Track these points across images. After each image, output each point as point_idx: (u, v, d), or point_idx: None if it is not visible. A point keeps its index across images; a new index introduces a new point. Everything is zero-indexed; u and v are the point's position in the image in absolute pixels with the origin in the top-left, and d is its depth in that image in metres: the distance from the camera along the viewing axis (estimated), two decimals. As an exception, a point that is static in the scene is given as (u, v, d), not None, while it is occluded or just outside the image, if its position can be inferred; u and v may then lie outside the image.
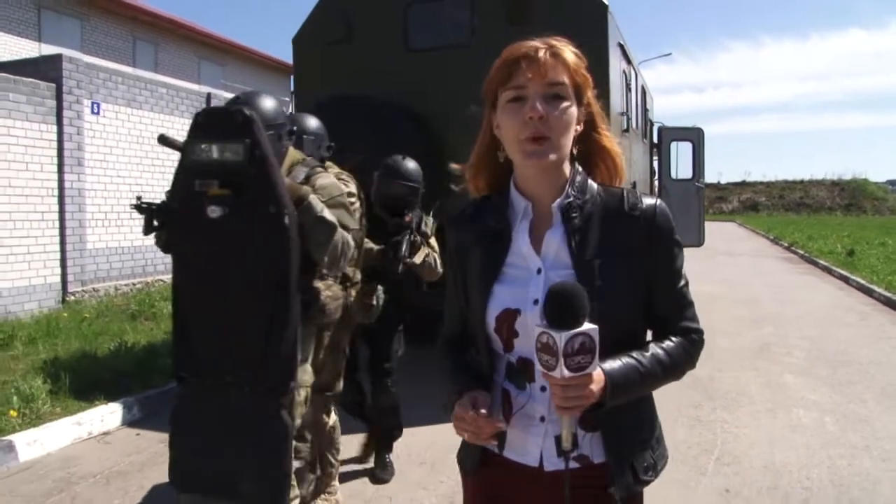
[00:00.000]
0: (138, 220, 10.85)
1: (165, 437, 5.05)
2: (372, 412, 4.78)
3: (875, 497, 4.18)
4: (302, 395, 3.19)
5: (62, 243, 10.95)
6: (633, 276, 1.60)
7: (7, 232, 10.01)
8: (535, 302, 1.56)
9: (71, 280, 11.08)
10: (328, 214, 3.08)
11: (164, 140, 3.38)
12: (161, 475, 4.67)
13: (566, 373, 1.38)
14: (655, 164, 11.29)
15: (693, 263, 12.71)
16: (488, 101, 1.66)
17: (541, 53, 1.56)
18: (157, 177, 12.88)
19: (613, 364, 1.52)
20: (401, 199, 4.50)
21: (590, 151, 1.70)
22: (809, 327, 9.60)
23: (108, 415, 5.55)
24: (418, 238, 4.43)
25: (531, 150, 1.55)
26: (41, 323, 8.98)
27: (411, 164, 4.59)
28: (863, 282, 13.57)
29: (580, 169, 1.66)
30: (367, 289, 4.10)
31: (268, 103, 3.25)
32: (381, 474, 4.65)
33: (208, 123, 2.98)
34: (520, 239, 1.65)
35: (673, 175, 11.11)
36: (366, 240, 4.21)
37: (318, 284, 3.34)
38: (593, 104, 1.67)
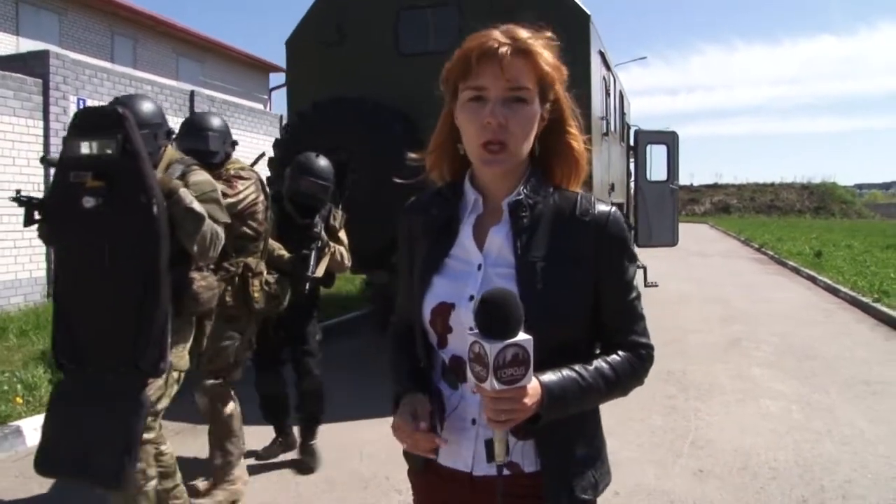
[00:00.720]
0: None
1: (181, 425, 5.34)
2: (297, 398, 4.90)
3: (834, 475, 4.52)
4: (174, 376, 3.33)
5: (48, 238, 11.08)
6: (579, 283, 1.53)
7: (-7, 226, 10.15)
8: (471, 298, 1.51)
9: (56, 274, 11.22)
10: (197, 207, 3.25)
11: (45, 161, 3.62)
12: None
13: (497, 385, 1.30)
14: (632, 166, 11.61)
15: (665, 263, 13.19)
16: (448, 90, 1.59)
17: (503, 51, 1.46)
18: (142, 173, 13.03)
19: (552, 376, 1.44)
20: (311, 195, 4.66)
21: (553, 149, 1.62)
22: (778, 324, 9.98)
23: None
24: (328, 243, 4.65)
25: (488, 158, 1.50)
26: (30, 316, 9.16)
27: (322, 162, 4.76)
28: (829, 282, 14.01)
29: (537, 169, 1.61)
30: (273, 280, 4.30)
31: (145, 105, 3.49)
32: (308, 462, 4.76)
33: (84, 122, 3.17)
34: (465, 232, 1.61)
35: (648, 177, 11.45)
36: (279, 246, 4.51)
37: (194, 275, 3.49)
38: (563, 99, 1.59)
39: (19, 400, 5.36)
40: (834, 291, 13.32)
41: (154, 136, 3.42)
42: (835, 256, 18.52)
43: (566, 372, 1.47)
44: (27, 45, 18.16)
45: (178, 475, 3.52)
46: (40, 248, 10.92)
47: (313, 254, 4.49)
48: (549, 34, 1.56)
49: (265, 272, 4.27)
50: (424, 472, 1.64)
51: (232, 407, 4.20)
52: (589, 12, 6.79)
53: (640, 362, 1.59)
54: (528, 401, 1.36)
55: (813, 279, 15.21)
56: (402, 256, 1.75)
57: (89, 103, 11.90)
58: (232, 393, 4.23)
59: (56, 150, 11.12)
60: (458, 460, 1.56)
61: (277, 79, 29.16)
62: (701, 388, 6.63)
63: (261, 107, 24.03)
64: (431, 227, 1.65)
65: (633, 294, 1.61)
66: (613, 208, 1.59)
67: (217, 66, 25.65)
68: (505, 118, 1.46)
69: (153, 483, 3.30)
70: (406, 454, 1.68)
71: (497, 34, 1.50)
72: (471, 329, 1.38)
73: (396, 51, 7.06)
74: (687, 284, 14.11)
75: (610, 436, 4.44)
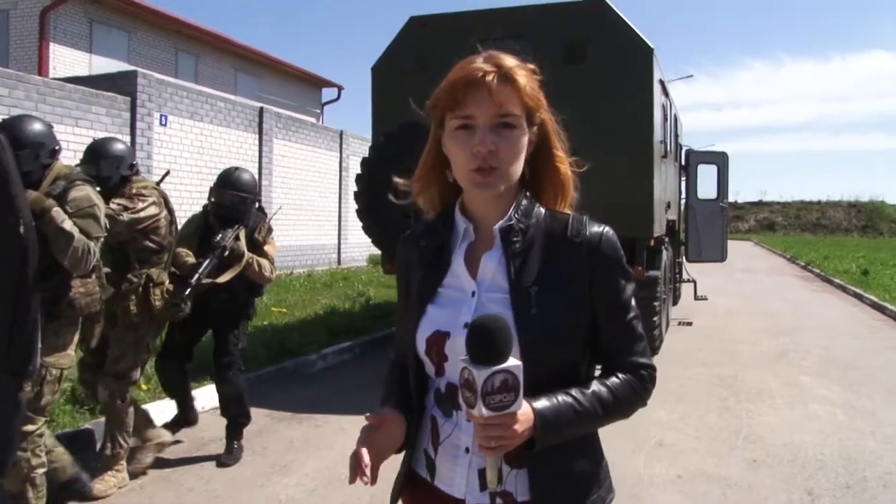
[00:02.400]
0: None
1: (265, 411, 6.04)
2: (220, 402, 5.28)
3: (876, 467, 5.01)
4: (54, 374, 3.74)
5: (132, 245, 11.88)
6: (573, 305, 1.52)
7: (85, 233, 10.94)
8: (465, 326, 1.47)
9: (138, 279, 12.00)
10: (68, 226, 3.55)
11: None
12: (275, 440, 5.58)
13: (485, 412, 1.29)
14: (683, 184, 12.10)
15: (713, 279, 13.69)
16: (435, 119, 1.59)
17: (489, 79, 1.48)
18: (215, 185, 13.81)
19: (545, 402, 1.43)
20: (232, 207, 5.00)
21: (540, 172, 1.63)
22: (824, 338, 10.41)
23: (213, 394, 6.42)
24: (241, 255, 4.88)
25: (479, 181, 1.50)
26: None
27: (245, 176, 5.12)
28: (875, 299, 14.35)
29: (527, 192, 1.61)
30: (174, 290, 4.58)
31: (27, 126, 3.79)
32: (224, 459, 5.05)
33: None
34: (457, 260, 1.60)
35: (699, 195, 11.93)
36: (187, 252, 4.84)
37: (75, 282, 3.76)
38: (548, 122, 1.61)
39: (144, 386, 6.03)
40: (880, 308, 13.66)
41: (35, 156, 3.73)
42: (882, 275, 18.77)
43: (561, 397, 1.45)
44: (99, 62, 19.16)
45: (64, 457, 4.02)
46: (125, 254, 11.72)
47: (207, 262, 4.73)
48: (532, 66, 1.58)
49: (167, 282, 4.59)
50: (416, 491, 1.64)
51: (130, 403, 4.55)
52: (652, 46, 7.40)
53: (640, 384, 1.57)
54: (518, 427, 1.35)
55: (859, 297, 15.55)
56: (399, 288, 1.76)
57: (170, 119, 12.74)
58: (130, 390, 4.56)
59: (140, 162, 11.94)
60: (453, 486, 1.55)
61: (329, 94, 30.11)
62: (751, 392, 7.12)
63: (313, 120, 24.79)
64: (424, 257, 1.65)
65: (632, 314, 1.59)
66: (606, 228, 1.59)
67: (273, 82, 26.46)
68: (494, 144, 1.47)
69: (40, 471, 3.72)
70: (398, 476, 1.69)
71: (482, 63, 1.51)
72: (461, 358, 1.36)
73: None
74: (734, 299, 14.58)
75: (670, 429, 5.10)
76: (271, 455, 5.26)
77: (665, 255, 9.36)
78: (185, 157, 13.12)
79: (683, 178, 12.00)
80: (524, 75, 1.53)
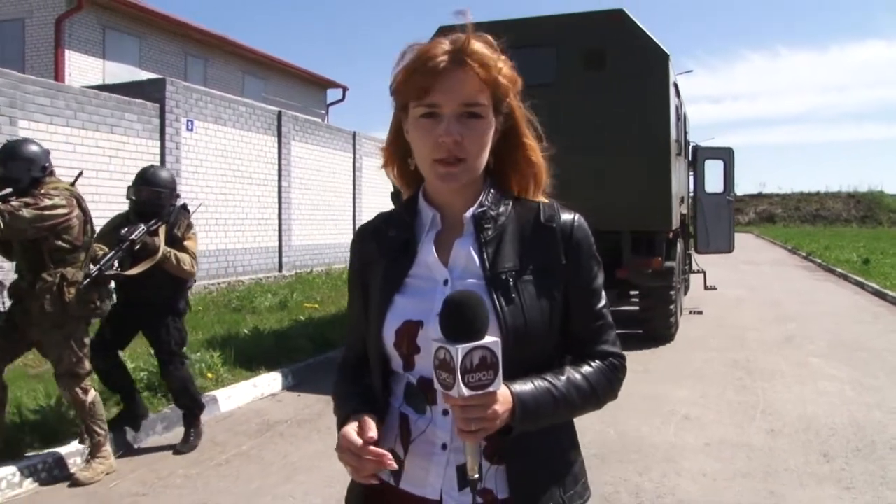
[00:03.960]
0: (225, 225, 12.73)
1: (322, 397, 6.56)
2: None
3: (883, 434, 5.54)
4: None
5: (163, 245, 12.38)
6: (548, 292, 1.47)
7: (121, 235, 11.45)
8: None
9: (169, 278, 12.50)
10: None
11: None
12: (332, 424, 6.09)
13: (465, 391, 1.23)
14: (691, 179, 12.61)
15: (718, 270, 14.24)
16: (398, 103, 1.53)
17: (457, 66, 1.42)
18: (238, 187, 14.35)
19: (524, 386, 1.37)
20: (148, 203, 5.12)
21: (508, 160, 1.57)
22: (828, 323, 10.95)
23: (272, 381, 6.99)
24: (156, 249, 4.96)
25: (444, 172, 1.44)
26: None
27: (161, 173, 5.31)
28: (877, 287, 14.92)
29: (494, 180, 1.56)
30: (89, 289, 4.62)
31: (26, 146, 4.46)
32: (179, 447, 5.27)
33: None
34: (425, 249, 1.52)
35: (707, 189, 12.44)
36: (100, 247, 4.88)
37: None
38: (516, 108, 1.53)
39: (210, 375, 6.56)
40: (882, 296, 14.22)
41: (27, 169, 4.40)
42: (882, 263, 19.35)
43: (538, 382, 1.40)
44: (111, 67, 19.65)
45: None
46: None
47: (110, 255, 4.78)
48: (499, 48, 1.50)
49: (82, 280, 4.62)
50: (375, 497, 1.52)
51: (92, 395, 4.71)
52: (668, 52, 7.93)
53: (612, 372, 1.52)
54: (498, 407, 1.30)
55: (861, 285, 16.12)
56: (351, 288, 1.68)
57: (196, 124, 13.24)
58: (88, 383, 4.71)
59: (170, 166, 12.46)
60: (427, 487, 1.46)
61: (334, 94, 30.59)
62: (764, 373, 7.65)
63: (327, 122, 25.24)
64: (388, 249, 1.57)
65: (602, 302, 1.56)
66: (577, 215, 1.55)
67: (279, 83, 26.85)
68: (460, 135, 1.41)
69: None
70: (349, 491, 1.60)
71: (447, 46, 1.44)
72: (434, 339, 1.31)
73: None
74: (741, 289, 15.13)
75: (693, 405, 5.70)
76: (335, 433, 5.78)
77: (679, 247, 9.90)
78: (209, 160, 13.59)
79: (691, 173, 12.51)
80: (492, 61, 1.45)
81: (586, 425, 5.58)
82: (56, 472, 4.74)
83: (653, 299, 8.99)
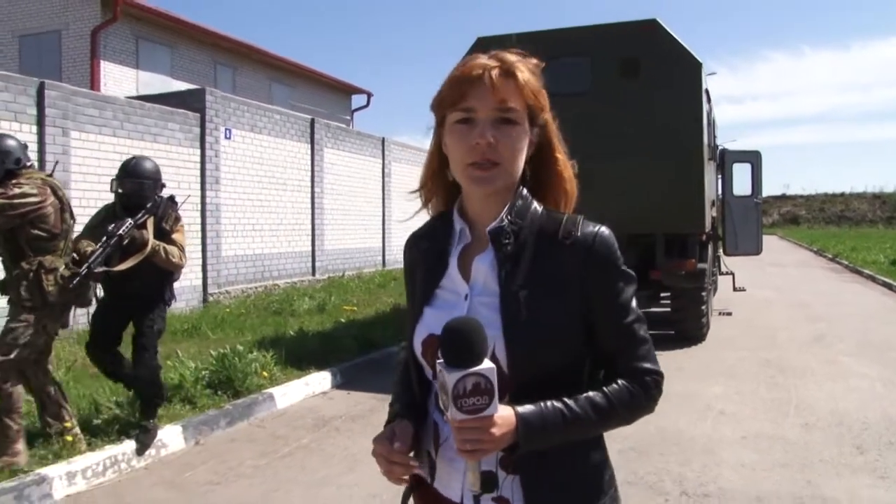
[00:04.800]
0: (261, 230, 13.10)
1: (372, 395, 6.85)
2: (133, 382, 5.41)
3: (915, 427, 5.79)
4: None
5: (203, 251, 12.79)
6: (564, 308, 1.47)
7: (164, 240, 11.84)
8: None
9: (210, 283, 12.90)
10: None
11: None
12: (382, 420, 6.40)
13: (458, 415, 1.28)
14: (719, 182, 12.82)
15: (745, 273, 14.43)
16: (437, 117, 1.57)
17: (493, 74, 1.45)
18: (273, 193, 14.71)
19: (531, 407, 1.39)
20: (133, 195, 5.11)
21: (541, 176, 1.59)
22: (857, 323, 11.14)
23: (322, 379, 7.32)
24: (144, 242, 4.95)
25: (477, 175, 1.46)
26: (205, 316, 10.80)
27: (144, 164, 5.26)
28: (905, 287, 15.04)
29: (525, 193, 1.56)
30: (68, 279, 4.67)
31: (1, 141, 4.61)
32: (142, 438, 5.21)
33: None
34: (452, 262, 1.57)
35: (735, 192, 12.65)
36: (88, 243, 4.94)
37: None
38: (550, 125, 1.56)
39: (265, 374, 6.88)
40: (910, 296, 14.35)
41: (1, 162, 4.53)
42: (910, 264, 19.43)
43: (549, 402, 1.41)
44: (144, 76, 20.12)
45: None
46: (198, 260, 12.62)
47: (100, 251, 4.80)
48: (535, 60, 1.54)
49: (61, 268, 4.68)
50: (421, 492, 1.61)
51: (17, 388, 4.71)
52: (701, 60, 8.20)
53: (641, 389, 1.50)
54: (496, 430, 1.32)
55: (889, 286, 16.25)
56: (406, 289, 1.75)
57: (234, 132, 13.62)
58: (15, 374, 4.70)
59: (210, 174, 12.85)
60: (450, 490, 1.53)
61: (359, 100, 30.97)
62: (796, 370, 7.87)
63: (348, 127, 25.61)
64: (426, 259, 1.63)
65: (631, 317, 1.53)
66: (601, 228, 1.53)
67: (305, 90, 27.20)
68: (494, 138, 1.44)
69: None
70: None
71: (484, 58, 1.49)
72: (438, 361, 1.35)
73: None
74: (768, 291, 15.34)
75: (728, 401, 6.01)
76: (386, 428, 6.09)
77: (710, 249, 10.14)
78: (247, 167, 13.95)
79: (719, 176, 12.71)
80: (528, 72, 1.49)
81: (627, 420, 5.86)
82: (134, 463, 5.08)
83: (685, 300, 9.25)
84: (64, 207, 4.73)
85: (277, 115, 15.27)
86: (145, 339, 5.29)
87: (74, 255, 4.88)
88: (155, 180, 5.26)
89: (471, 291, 1.52)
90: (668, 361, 8.21)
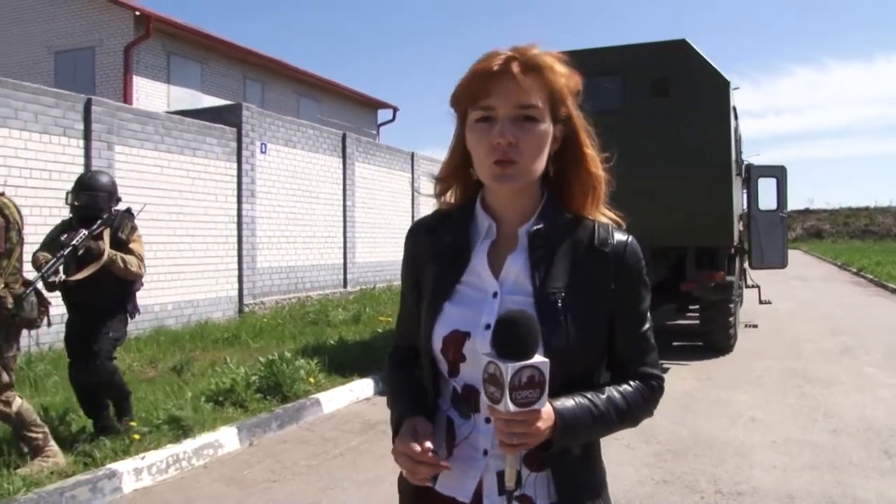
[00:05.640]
0: (295, 243, 13.46)
1: None
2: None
3: (941, 434, 5.99)
4: None
5: (239, 262, 13.15)
6: (596, 313, 1.50)
7: (202, 252, 12.22)
8: (487, 326, 1.44)
9: (245, 294, 13.24)
10: None
11: None
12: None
13: (511, 407, 1.28)
14: (744, 196, 13.02)
15: (769, 286, 14.60)
16: (458, 113, 1.56)
17: (513, 69, 1.44)
18: (307, 207, 15.06)
19: (566, 403, 1.42)
20: (87, 207, 5.19)
21: (568, 171, 1.57)
22: (883, 336, 11.30)
23: (365, 386, 7.62)
24: (100, 252, 4.99)
25: (499, 173, 1.45)
26: (243, 326, 11.13)
27: (100, 177, 5.39)
28: (930, 301, 15.14)
29: (552, 193, 1.57)
30: (20, 293, 4.57)
31: None
32: (116, 426, 5.37)
33: None
34: (478, 258, 1.55)
35: (760, 206, 12.84)
36: (46, 256, 4.96)
37: None
38: (575, 118, 1.54)
39: (312, 380, 7.17)
40: (935, 310, 14.45)
41: None
42: (935, 279, 19.48)
43: (579, 399, 1.44)
44: (175, 91, 20.60)
45: None
46: (234, 271, 12.98)
47: (52, 262, 4.84)
48: (559, 55, 1.52)
49: (7, 286, 4.53)
50: (417, 499, 1.58)
51: (17, 405, 4.65)
52: (728, 79, 8.47)
53: (651, 393, 1.57)
54: (541, 424, 1.34)
55: (914, 300, 16.34)
56: (405, 279, 1.72)
57: (269, 147, 13.98)
58: (10, 394, 4.63)
59: (246, 187, 13.21)
60: (460, 490, 1.51)
61: (384, 115, 31.36)
62: (823, 380, 8.07)
63: (378, 142, 25.97)
64: (441, 252, 1.60)
65: (647, 325, 1.59)
66: (630, 237, 1.57)
67: (332, 105, 27.64)
68: (515, 137, 1.43)
69: None
70: (400, 480, 1.63)
71: (504, 52, 1.47)
72: (485, 353, 1.35)
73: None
74: (793, 304, 15.50)
75: (757, 409, 6.29)
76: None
77: (737, 262, 10.36)
78: (281, 181, 14.30)
79: (745, 190, 12.91)
80: (550, 67, 1.47)
81: (659, 424, 6.16)
82: (194, 461, 5.38)
83: (713, 312, 9.48)
84: (10, 226, 4.53)
85: (311, 130, 15.64)
86: (97, 345, 5.24)
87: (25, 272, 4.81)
88: (109, 193, 5.35)
89: (500, 289, 1.50)
90: (698, 371, 8.45)
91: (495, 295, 1.50)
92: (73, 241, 4.95)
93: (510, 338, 1.30)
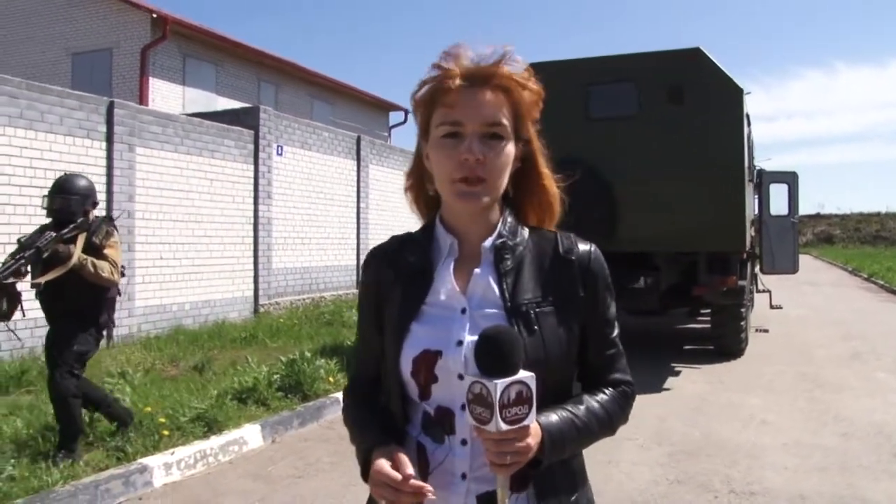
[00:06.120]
0: (309, 244, 13.64)
1: None
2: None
3: (950, 438, 6.10)
4: None
5: (255, 263, 13.32)
6: (566, 322, 1.49)
7: (219, 253, 12.40)
8: (459, 343, 1.43)
9: (261, 294, 13.41)
10: None
11: None
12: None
13: (503, 426, 1.24)
14: (756, 202, 13.13)
15: (780, 291, 14.69)
16: (419, 117, 1.53)
17: (478, 85, 1.44)
18: (322, 208, 15.23)
19: (550, 417, 1.40)
20: (61, 210, 5.08)
21: (524, 190, 1.58)
22: (894, 342, 11.38)
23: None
24: (68, 256, 4.86)
25: (465, 191, 1.44)
26: (260, 326, 11.29)
27: (76, 181, 5.27)
28: (941, 308, 15.21)
29: (513, 210, 1.57)
30: None
31: None
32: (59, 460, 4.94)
33: None
34: (443, 277, 1.52)
35: (772, 212, 12.94)
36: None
37: None
38: (534, 139, 1.54)
39: (331, 379, 7.33)
40: (946, 316, 14.51)
41: None
42: (946, 285, 19.53)
43: (561, 412, 1.43)
44: (190, 93, 20.79)
45: None
46: (250, 271, 13.15)
47: (11, 263, 4.76)
48: (527, 64, 1.51)
49: None
50: None
51: None
52: (742, 87, 8.59)
53: (624, 399, 1.57)
54: (531, 441, 1.31)
55: (924, 306, 16.40)
56: (362, 310, 1.68)
57: (285, 149, 14.15)
58: None
59: (262, 189, 13.38)
60: None
61: (396, 117, 31.52)
62: (833, 385, 8.18)
63: (392, 144, 26.13)
64: (404, 275, 1.56)
65: (616, 331, 1.59)
66: (593, 246, 1.58)
67: (345, 107, 27.78)
68: (483, 154, 1.42)
69: None
70: None
71: (473, 66, 1.45)
72: (460, 376, 1.36)
73: (586, 116, 8.96)
74: (803, 309, 15.57)
75: (768, 412, 6.42)
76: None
77: (749, 267, 10.47)
78: (297, 182, 14.48)
79: (756, 196, 13.02)
80: (519, 84, 1.47)
81: (671, 426, 6.29)
82: (220, 457, 5.54)
83: (725, 316, 9.59)
84: None
85: (326, 133, 15.82)
86: (60, 356, 5.03)
87: None
88: (84, 196, 5.23)
89: (468, 304, 1.48)
90: (709, 374, 8.57)
91: (464, 311, 1.48)
92: (38, 243, 4.85)
93: (493, 355, 1.27)
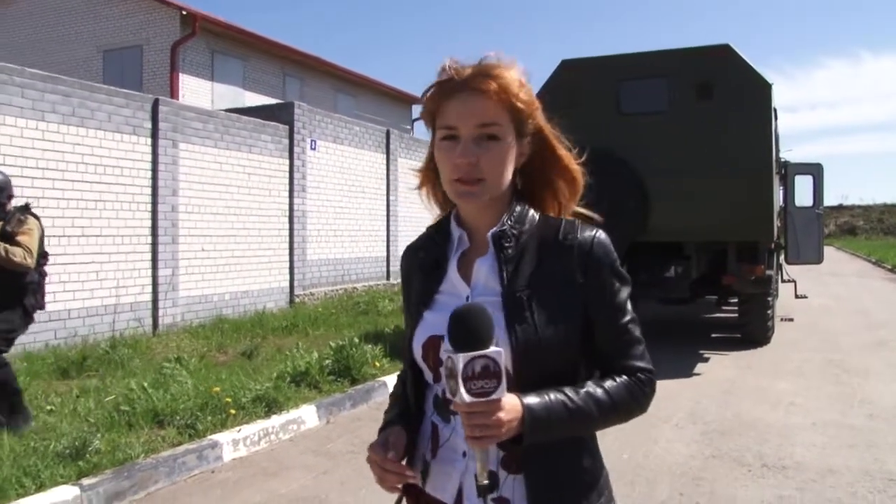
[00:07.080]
0: (342, 236, 14.04)
1: None
2: None
3: (972, 419, 6.38)
4: None
5: (290, 255, 13.69)
6: (566, 308, 1.51)
7: (256, 245, 12.79)
8: None
9: (296, 285, 13.79)
10: None
11: None
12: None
13: (466, 397, 1.30)
14: (781, 193, 13.36)
15: (803, 282, 14.95)
16: (428, 127, 1.60)
17: (470, 90, 1.49)
18: (353, 201, 15.60)
19: (535, 398, 1.42)
20: None
21: (545, 174, 1.63)
22: (919, 330, 11.63)
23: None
24: None
25: (462, 191, 1.51)
26: (298, 315, 11.68)
27: None
28: (964, 297, 15.37)
29: (524, 201, 1.62)
30: None
31: None
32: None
33: None
34: (452, 267, 1.60)
35: (797, 203, 13.17)
36: None
37: None
38: (544, 127, 1.60)
39: (377, 364, 7.70)
40: (969, 306, 14.68)
41: None
42: (969, 275, 19.62)
43: (553, 394, 1.44)
44: (219, 88, 21.20)
45: None
46: (286, 263, 13.53)
47: None
48: (522, 68, 1.55)
49: None
50: (411, 497, 1.63)
51: None
52: (771, 81, 8.87)
53: (638, 386, 1.55)
54: (503, 415, 1.34)
55: (948, 295, 16.55)
56: (403, 299, 1.79)
57: (319, 144, 14.51)
58: None
59: (297, 182, 13.76)
60: (443, 491, 1.56)
61: (419, 110, 31.73)
62: (859, 370, 8.45)
63: (419, 138, 26.43)
64: (423, 267, 1.66)
65: (627, 317, 1.57)
66: (598, 231, 1.58)
67: (368, 100, 28.11)
68: (476, 157, 1.47)
69: None
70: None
71: (467, 71, 1.51)
72: (444, 349, 1.40)
73: (617, 111, 9.27)
74: (827, 299, 15.81)
75: (797, 395, 6.73)
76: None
77: (775, 258, 10.75)
78: (330, 176, 14.85)
79: (782, 187, 13.25)
80: (509, 86, 1.50)
81: (705, 407, 6.61)
82: (281, 436, 5.92)
83: (752, 304, 9.88)
84: None
85: (357, 127, 16.17)
86: None
87: None
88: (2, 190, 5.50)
89: (472, 292, 1.55)
90: (739, 360, 8.88)
91: (467, 298, 1.55)
92: None
93: (459, 330, 1.34)
